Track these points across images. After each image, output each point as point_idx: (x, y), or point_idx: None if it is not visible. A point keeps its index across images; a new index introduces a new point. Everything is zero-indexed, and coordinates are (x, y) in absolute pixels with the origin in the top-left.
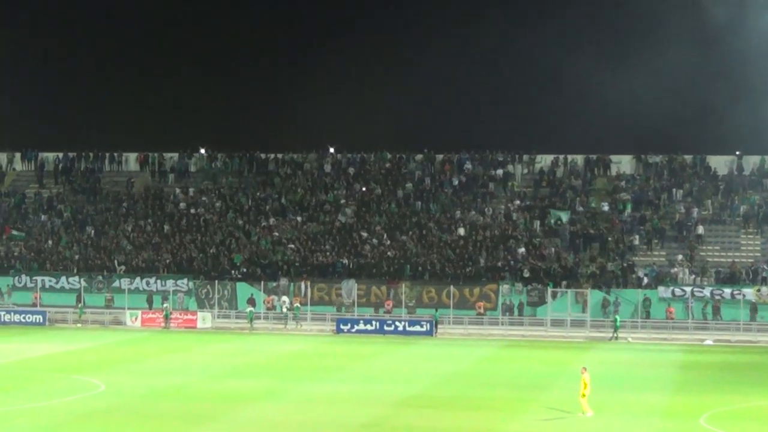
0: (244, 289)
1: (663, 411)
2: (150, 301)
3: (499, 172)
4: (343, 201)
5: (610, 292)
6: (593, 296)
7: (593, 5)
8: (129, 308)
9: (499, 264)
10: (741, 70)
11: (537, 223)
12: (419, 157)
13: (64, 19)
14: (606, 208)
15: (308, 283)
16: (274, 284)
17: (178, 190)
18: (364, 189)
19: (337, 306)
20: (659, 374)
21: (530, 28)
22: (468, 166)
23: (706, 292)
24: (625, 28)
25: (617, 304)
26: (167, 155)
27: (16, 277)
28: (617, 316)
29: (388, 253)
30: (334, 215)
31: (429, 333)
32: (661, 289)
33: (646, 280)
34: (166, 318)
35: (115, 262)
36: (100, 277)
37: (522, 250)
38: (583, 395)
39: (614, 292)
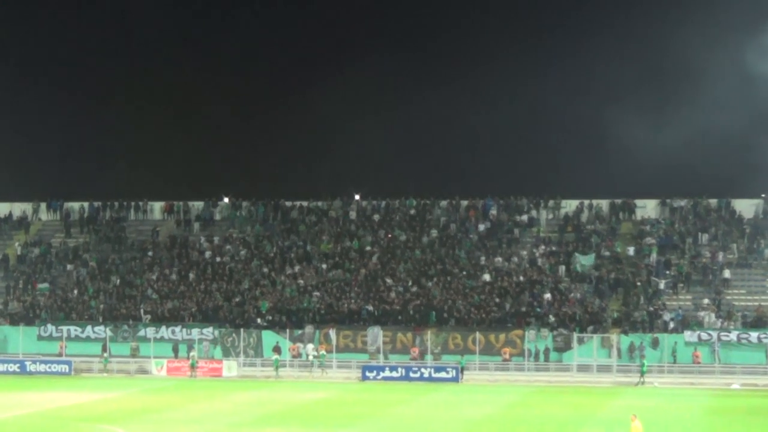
0: (269, 337)
1: None
2: (176, 350)
3: (524, 217)
4: (368, 248)
5: (651, 340)
6: (622, 341)
7: (618, 51)
8: (155, 357)
9: (525, 309)
10: (766, 114)
11: (562, 268)
12: (444, 203)
13: (89, 70)
14: (631, 252)
15: (334, 331)
16: (300, 332)
17: (203, 239)
18: (389, 236)
19: (371, 353)
20: (687, 419)
21: (555, 74)
22: (493, 211)
23: (733, 336)
24: (650, 72)
25: (643, 348)
26: (192, 204)
27: (42, 327)
28: (644, 361)
29: (414, 300)
30: (360, 262)
31: (455, 379)
32: (687, 333)
33: (672, 324)
34: (192, 367)
35: (141, 310)
36: (126, 326)
37: (548, 295)
38: None
39: (641, 336)
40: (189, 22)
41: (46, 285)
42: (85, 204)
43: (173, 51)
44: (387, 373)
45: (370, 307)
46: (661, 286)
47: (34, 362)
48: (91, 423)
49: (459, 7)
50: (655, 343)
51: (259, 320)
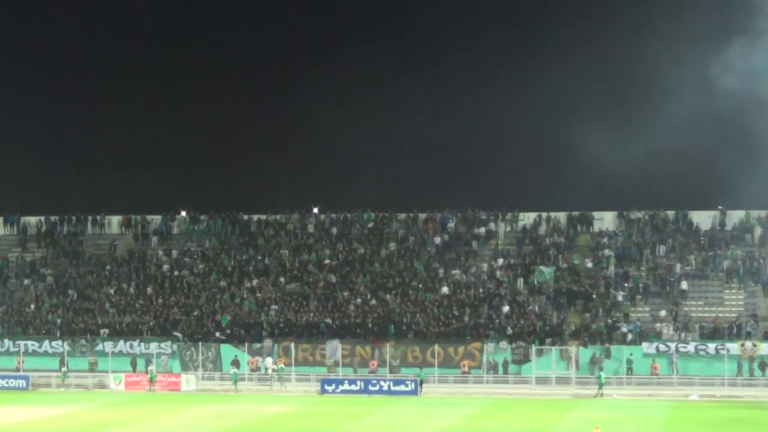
0: (228, 351)
1: None
2: (134, 364)
3: (482, 230)
4: (326, 261)
5: (604, 351)
6: (581, 354)
7: (574, 65)
8: (113, 371)
9: (483, 322)
10: (722, 126)
11: (521, 281)
12: (402, 216)
13: (42, 82)
14: (589, 264)
15: (293, 344)
16: (258, 345)
17: (161, 253)
18: (347, 249)
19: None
20: (646, 430)
21: (511, 88)
22: (451, 224)
23: (690, 347)
24: (608, 86)
25: (602, 360)
26: (150, 218)
27: None
28: (601, 373)
29: (373, 313)
30: (318, 276)
31: (414, 392)
32: (645, 345)
33: (630, 336)
34: (151, 381)
35: (98, 324)
36: (84, 341)
37: (506, 308)
38: None
39: (597, 348)
40: (149, 34)
41: (2, 300)
42: (42, 218)
43: (131, 65)
44: (346, 386)
45: (329, 320)
46: (619, 298)
47: None
48: None
49: (414, 20)
50: (607, 354)
51: (217, 334)
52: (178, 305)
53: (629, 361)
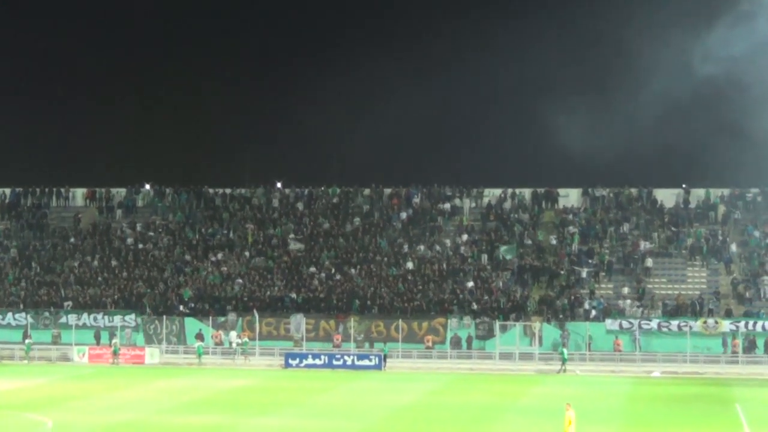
0: (192, 325)
1: None
2: (98, 337)
3: (447, 206)
4: (291, 235)
5: (564, 326)
6: (544, 330)
7: (539, 42)
8: (76, 344)
9: (448, 297)
10: (687, 106)
11: (485, 257)
12: (367, 191)
13: (7, 54)
14: (554, 241)
15: (256, 313)
16: (223, 319)
17: (125, 226)
18: (311, 223)
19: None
20: (607, 406)
21: (478, 64)
22: (416, 200)
23: (653, 324)
24: (572, 64)
25: (566, 336)
26: (114, 190)
27: None
28: (564, 349)
29: (337, 288)
30: (282, 250)
31: (378, 367)
32: (608, 321)
33: (593, 312)
34: (115, 354)
35: (62, 297)
36: (47, 313)
37: (470, 283)
38: (566, 431)
39: (565, 325)
40: (114, 7)
41: None
42: (7, 190)
43: (99, 36)
44: (310, 361)
45: (294, 295)
46: (583, 274)
47: None
48: (13, 410)
49: None
50: (563, 329)
51: (181, 307)
52: (142, 278)
53: (589, 337)
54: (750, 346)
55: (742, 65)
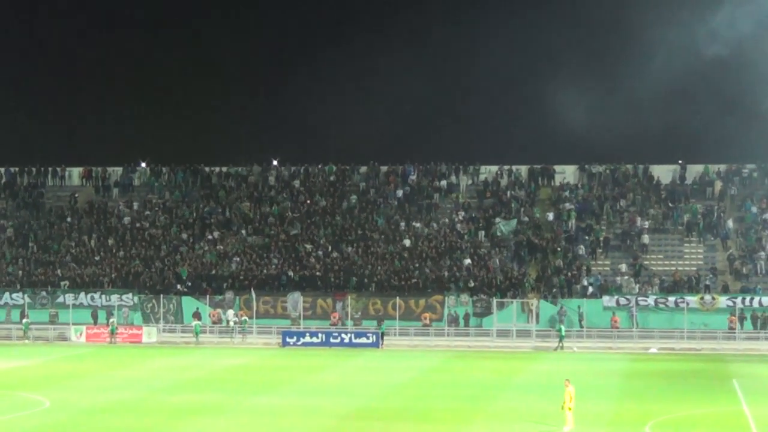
0: (189, 303)
1: (608, 419)
2: (95, 317)
3: (444, 183)
4: (288, 214)
5: (557, 303)
6: (541, 307)
7: (539, 16)
8: (74, 323)
9: (445, 275)
10: (683, 83)
11: (482, 234)
12: (363, 169)
13: (2, 36)
14: (550, 218)
15: (253, 292)
16: (220, 298)
17: (122, 205)
18: (308, 201)
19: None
20: (604, 383)
21: (474, 41)
22: (412, 177)
23: (650, 300)
24: (570, 39)
25: (563, 313)
26: (110, 169)
27: None
28: (562, 326)
29: (334, 266)
30: (279, 228)
31: (375, 345)
32: (605, 298)
33: (591, 289)
34: (112, 333)
35: (59, 277)
36: (44, 293)
37: (467, 261)
38: (566, 407)
39: (560, 301)
40: None
41: None
42: (2, 170)
43: (96, 14)
44: (307, 339)
45: (291, 273)
46: (580, 251)
47: None
48: (10, 390)
49: None
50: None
51: (179, 286)
52: (139, 257)
53: (580, 315)
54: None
55: (741, 43)
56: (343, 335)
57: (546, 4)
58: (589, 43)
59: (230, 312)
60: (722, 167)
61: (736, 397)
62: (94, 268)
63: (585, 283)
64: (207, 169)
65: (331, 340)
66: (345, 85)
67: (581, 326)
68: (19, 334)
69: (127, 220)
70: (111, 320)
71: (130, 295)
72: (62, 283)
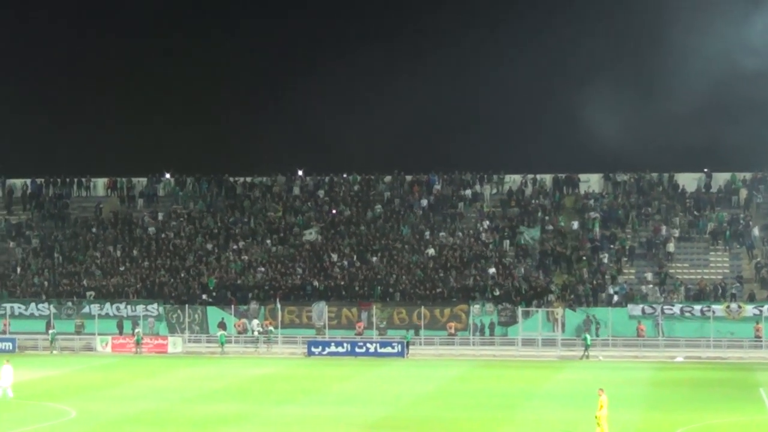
0: (214, 313)
1: (636, 428)
2: (120, 327)
3: (468, 192)
4: (312, 223)
5: (587, 313)
6: (567, 316)
7: (561, 29)
8: (99, 334)
9: (470, 284)
10: (708, 92)
11: (506, 243)
12: (388, 178)
13: (29, 46)
14: (575, 226)
15: (278, 302)
16: (245, 308)
17: (146, 215)
18: (333, 211)
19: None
20: (631, 392)
21: (498, 51)
22: (437, 186)
23: (676, 309)
24: (594, 50)
25: (589, 322)
26: (135, 180)
27: None
28: (587, 335)
29: (359, 275)
30: (304, 237)
31: (400, 354)
32: (631, 307)
33: (616, 298)
34: (137, 343)
35: (85, 287)
36: (70, 303)
37: (492, 270)
38: (599, 417)
39: (585, 310)
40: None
41: None
42: (28, 180)
43: (118, 27)
44: (332, 349)
45: (316, 283)
46: (605, 260)
47: None
48: (36, 400)
49: None
50: (587, 324)
51: (204, 296)
52: (164, 267)
53: (596, 322)
54: None
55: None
56: (369, 345)
57: (571, 12)
58: (615, 52)
59: (255, 322)
60: (748, 175)
61: (762, 405)
62: (119, 279)
63: (610, 291)
64: (231, 179)
65: (357, 349)
66: (369, 95)
67: (597, 334)
68: (45, 344)
69: (152, 230)
70: (136, 330)
71: (155, 306)
72: (88, 294)
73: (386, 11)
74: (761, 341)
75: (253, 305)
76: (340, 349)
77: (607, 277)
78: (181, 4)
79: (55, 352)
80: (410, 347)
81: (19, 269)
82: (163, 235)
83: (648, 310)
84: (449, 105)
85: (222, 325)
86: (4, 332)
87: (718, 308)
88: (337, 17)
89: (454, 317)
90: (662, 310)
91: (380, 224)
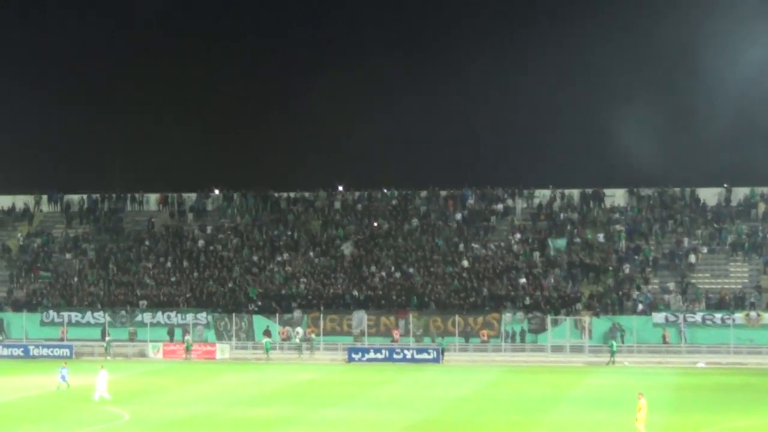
0: (260, 322)
1: (661, 430)
2: (171, 334)
3: (500, 206)
4: (352, 236)
5: (613, 321)
6: (594, 324)
7: (589, 46)
8: (151, 341)
9: (501, 293)
10: (729, 107)
11: (536, 255)
12: (424, 193)
13: (83, 64)
14: (602, 239)
15: (321, 315)
16: (289, 316)
17: (196, 228)
18: (375, 224)
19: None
20: (655, 396)
21: (530, 69)
22: (470, 201)
23: (698, 317)
24: (617, 68)
25: (615, 330)
26: (185, 195)
27: (44, 313)
28: (613, 342)
29: (396, 285)
30: (344, 250)
31: (436, 360)
32: (655, 315)
33: (640, 306)
34: (187, 350)
35: (138, 297)
36: (124, 312)
37: (523, 280)
38: (638, 419)
39: (611, 318)
40: (181, 15)
41: (47, 273)
42: (84, 196)
43: (167, 46)
44: (371, 355)
45: (355, 292)
46: (630, 270)
47: (37, 346)
48: (92, 404)
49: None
50: (613, 332)
51: (250, 305)
52: (212, 278)
53: (621, 330)
54: None
55: None
56: (406, 351)
57: (599, 33)
58: (642, 74)
59: (298, 329)
60: (766, 190)
61: None
62: (170, 289)
63: (635, 300)
64: (276, 194)
65: (394, 355)
66: (406, 115)
67: (622, 341)
68: (101, 350)
69: (201, 243)
70: (186, 337)
71: (204, 314)
72: (141, 303)
73: (423, 36)
74: None
75: (297, 314)
76: (378, 356)
77: (632, 286)
78: (235, 24)
79: (108, 358)
80: (445, 353)
81: (76, 280)
82: (211, 248)
83: (671, 318)
84: (483, 124)
85: (267, 333)
86: (62, 339)
87: (738, 316)
88: (376, 37)
89: (486, 325)
90: (685, 318)
91: (417, 237)
